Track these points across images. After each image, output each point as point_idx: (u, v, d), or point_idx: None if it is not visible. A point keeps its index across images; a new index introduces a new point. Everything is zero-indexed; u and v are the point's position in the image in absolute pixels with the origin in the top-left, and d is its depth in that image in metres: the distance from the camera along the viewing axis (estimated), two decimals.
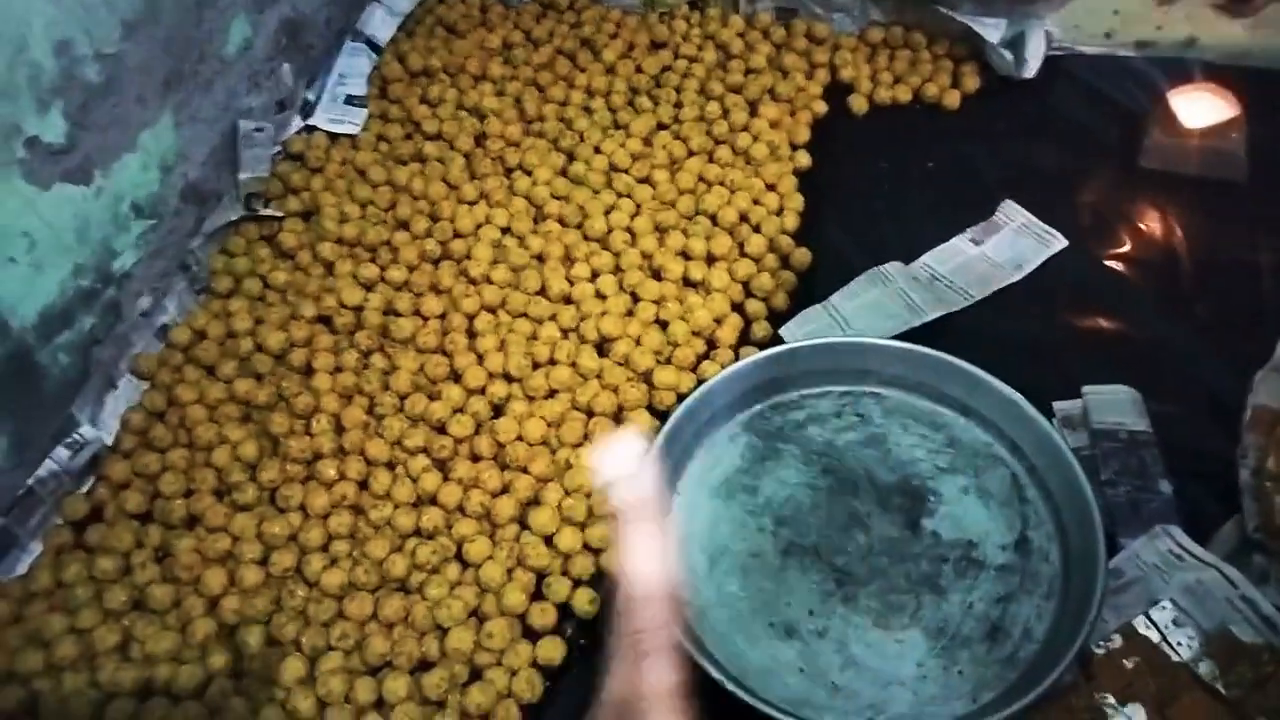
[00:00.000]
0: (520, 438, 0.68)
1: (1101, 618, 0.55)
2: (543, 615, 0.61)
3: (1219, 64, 0.88)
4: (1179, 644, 0.53)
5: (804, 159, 0.85)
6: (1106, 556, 0.57)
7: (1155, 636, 0.54)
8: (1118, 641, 0.54)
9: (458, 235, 0.80)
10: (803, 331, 0.73)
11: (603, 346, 0.73)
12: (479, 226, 0.81)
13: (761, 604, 0.60)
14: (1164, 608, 0.54)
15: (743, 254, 0.79)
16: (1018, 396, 0.65)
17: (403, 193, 0.84)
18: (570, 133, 0.87)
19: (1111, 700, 0.52)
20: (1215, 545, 0.59)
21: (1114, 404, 0.66)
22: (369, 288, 0.78)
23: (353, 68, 0.94)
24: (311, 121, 0.89)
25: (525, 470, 0.67)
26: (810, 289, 0.77)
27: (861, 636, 0.59)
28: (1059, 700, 0.53)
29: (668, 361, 0.72)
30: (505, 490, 0.66)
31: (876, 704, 0.56)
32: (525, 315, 0.75)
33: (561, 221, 0.81)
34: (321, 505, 0.66)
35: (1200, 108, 0.84)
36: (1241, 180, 0.82)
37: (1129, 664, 0.53)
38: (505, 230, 0.81)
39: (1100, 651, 0.54)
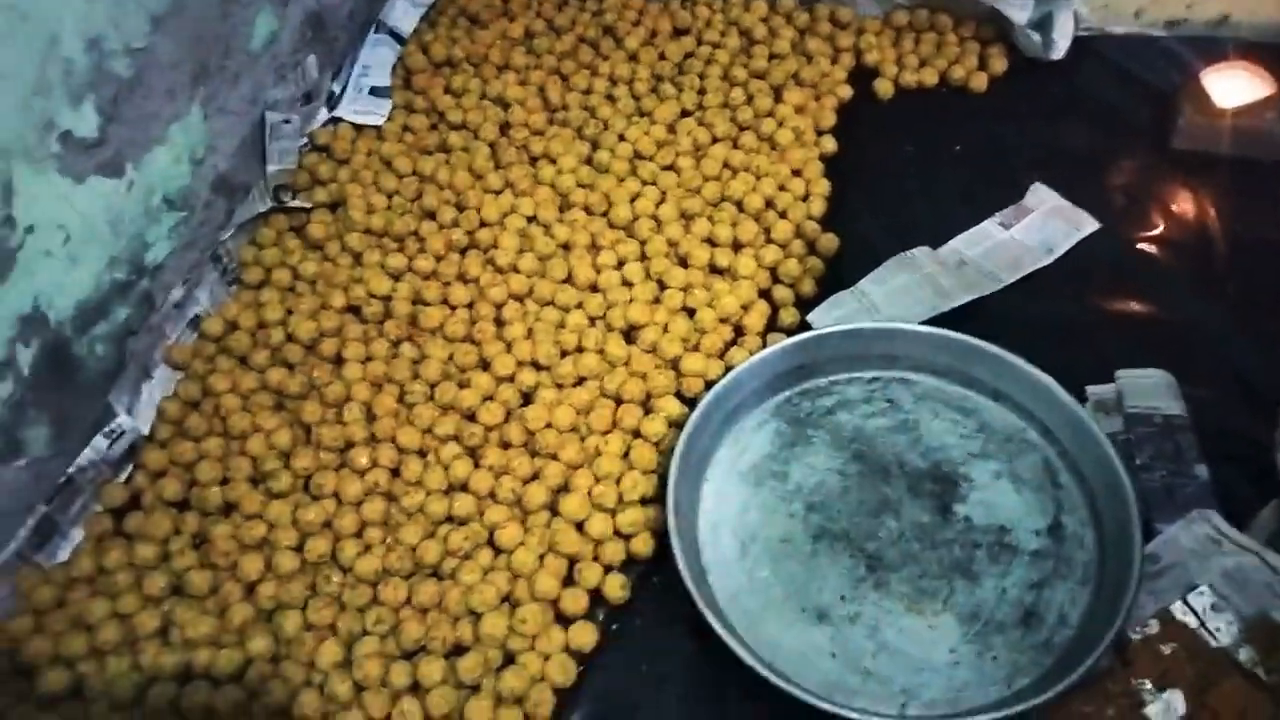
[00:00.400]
0: (550, 425, 0.68)
1: (1138, 603, 0.55)
2: (574, 601, 0.61)
3: (1252, 41, 0.87)
4: (1217, 630, 0.53)
5: (830, 144, 0.85)
6: (1142, 542, 0.56)
7: (1193, 622, 0.53)
8: (1155, 627, 0.53)
9: (484, 224, 0.81)
10: (831, 317, 0.73)
11: (630, 334, 0.73)
12: (505, 215, 0.81)
13: (793, 589, 0.60)
14: (1202, 593, 0.54)
15: (769, 240, 0.79)
16: (1050, 380, 0.64)
17: (429, 183, 0.84)
18: (594, 121, 0.87)
19: (1149, 686, 0.52)
20: (1254, 530, 0.58)
21: (1148, 388, 0.65)
22: (397, 277, 0.78)
23: (376, 59, 0.94)
24: (337, 113, 0.90)
25: (555, 457, 0.67)
26: (838, 275, 0.77)
27: (894, 622, 0.59)
28: (1096, 686, 0.52)
29: (695, 348, 0.72)
30: (536, 477, 0.66)
31: (909, 689, 0.56)
32: (552, 304, 0.75)
33: (587, 209, 0.81)
34: (354, 492, 0.66)
35: (1233, 87, 0.82)
36: (1277, 159, 0.80)
37: (1166, 650, 0.53)
38: (531, 219, 0.81)
39: (1137, 637, 0.54)
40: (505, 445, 0.68)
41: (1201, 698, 0.51)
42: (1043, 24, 0.88)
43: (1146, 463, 0.61)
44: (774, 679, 0.54)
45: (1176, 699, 0.51)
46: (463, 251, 0.80)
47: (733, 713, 0.58)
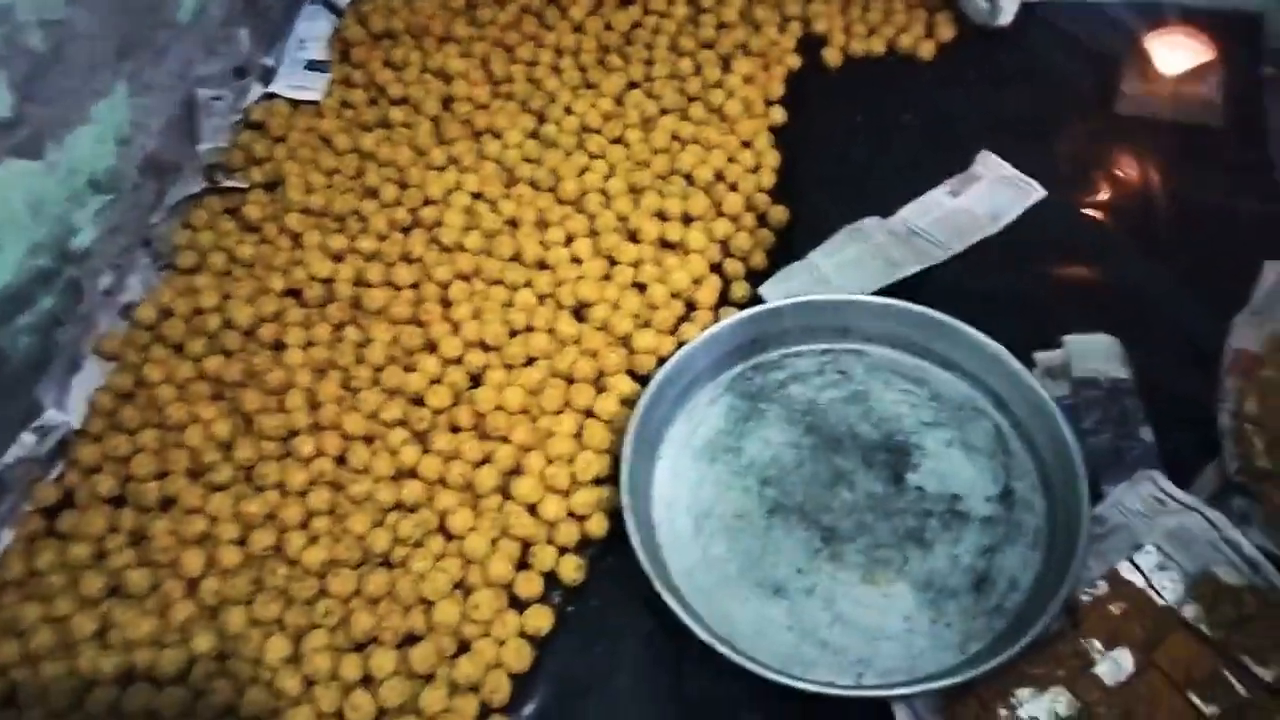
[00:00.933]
0: (500, 407, 0.67)
1: (1086, 565, 0.55)
2: (529, 584, 0.60)
3: (1194, 7, 0.87)
4: (1164, 588, 0.54)
5: (779, 115, 0.84)
6: (1090, 504, 0.57)
7: (1140, 581, 0.54)
8: (1103, 588, 0.54)
9: (428, 202, 0.78)
10: (782, 290, 0.72)
11: (580, 312, 0.72)
12: (449, 192, 0.79)
13: (749, 564, 0.60)
14: (1148, 552, 0.55)
15: (720, 213, 0.78)
16: (999, 348, 0.64)
17: (369, 160, 0.82)
18: (540, 93, 0.85)
19: (1098, 645, 0.53)
20: (1197, 489, 0.59)
21: (1095, 352, 0.66)
22: (338, 259, 0.76)
23: (313, 31, 0.91)
24: (272, 88, 0.87)
25: (506, 440, 0.66)
26: (789, 247, 0.76)
27: (849, 592, 0.59)
28: (1047, 647, 0.53)
29: (646, 325, 0.71)
30: (486, 460, 0.65)
31: (865, 658, 0.56)
32: (500, 282, 0.74)
33: (534, 185, 0.79)
34: (299, 482, 0.64)
35: (1176, 53, 0.83)
36: (1218, 124, 0.81)
37: (1115, 609, 0.53)
38: (476, 195, 0.79)
39: (1086, 598, 0.54)
40: (454, 429, 0.67)
41: (1149, 655, 0.52)
42: None
43: (1094, 426, 0.62)
44: (730, 654, 0.54)
45: (1125, 657, 0.52)
46: (406, 230, 0.77)
47: (691, 690, 0.58)
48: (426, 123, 0.83)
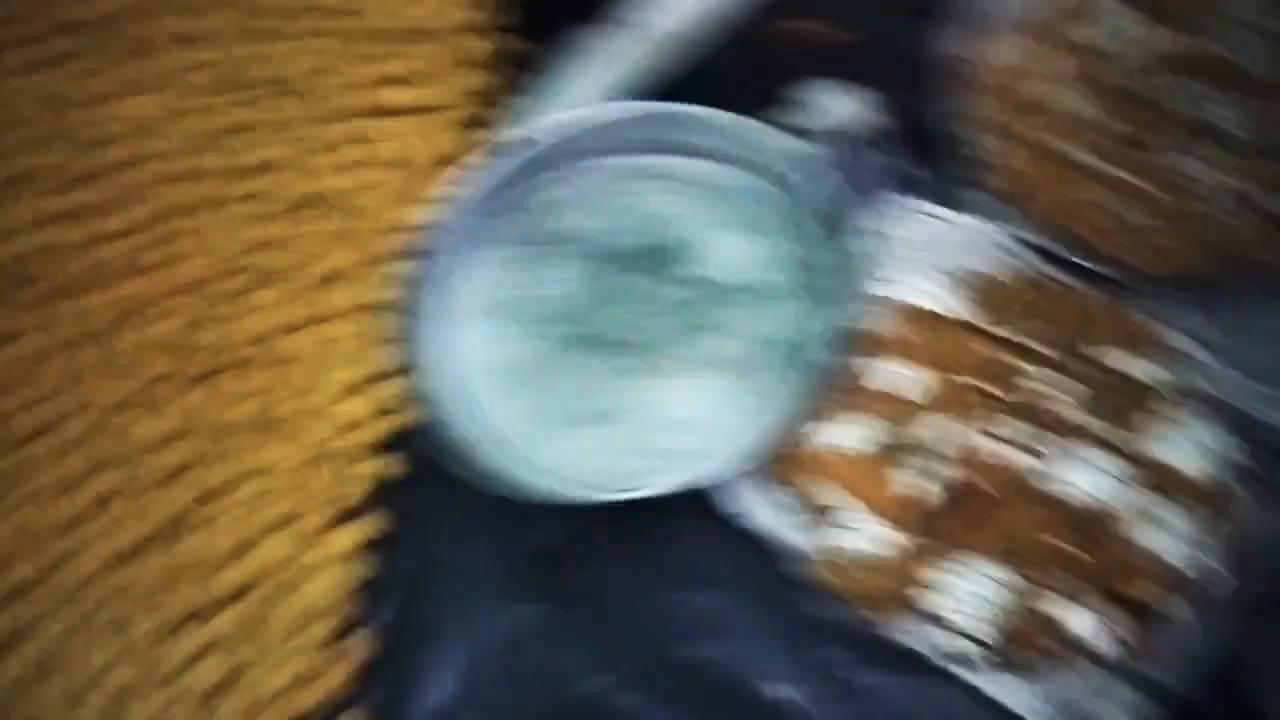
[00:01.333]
0: (267, 328, 0.62)
1: (871, 301, 0.57)
2: (348, 487, 0.58)
3: None
4: (947, 300, 0.56)
5: None
6: (864, 247, 0.59)
7: (925, 300, 0.57)
8: (888, 315, 0.56)
9: (119, 133, 0.69)
10: (532, 124, 0.68)
11: (325, 202, 0.66)
12: (145, 114, 0.69)
13: (558, 405, 0.59)
14: (929, 271, 0.57)
15: (452, 64, 0.72)
16: (752, 123, 0.63)
17: (42, 104, 0.71)
18: None
19: (895, 367, 0.55)
20: (957, 203, 0.61)
21: (839, 101, 0.66)
22: (32, 227, 0.66)
23: None
24: None
25: (284, 358, 0.61)
26: (531, 80, 0.72)
27: (663, 399, 0.59)
28: (850, 386, 0.56)
29: (402, 198, 0.66)
30: (271, 386, 0.60)
31: (694, 455, 0.57)
32: (232, 198, 0.66)
33: (247, 86, 0.71)
34: (64, 476, 0.58)
35: None
36: None
37: (906, 332, 0.56)
38: (177, 111, 0.70)
39: (879, 327, 0.56)
40: (228, 366, 0.61)
41: (941, 368, 0.54)
42: None
43: (856, 172, 0.63)
44: (557, 493, 0.53)
45: (921, 374, 0.54)
46: (105, 172, 0.68)
47: (538, 544, 0.58)
48: (107, 41, 0.72)
